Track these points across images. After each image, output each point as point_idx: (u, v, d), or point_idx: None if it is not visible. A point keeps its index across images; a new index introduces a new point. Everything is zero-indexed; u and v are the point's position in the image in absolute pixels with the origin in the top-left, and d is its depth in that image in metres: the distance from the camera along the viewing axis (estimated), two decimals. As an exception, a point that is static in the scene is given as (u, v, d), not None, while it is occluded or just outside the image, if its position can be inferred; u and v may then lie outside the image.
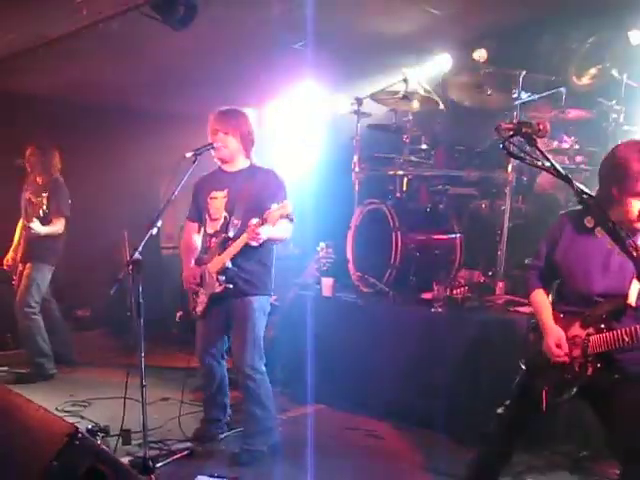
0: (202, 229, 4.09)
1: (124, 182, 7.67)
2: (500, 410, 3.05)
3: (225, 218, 3.86)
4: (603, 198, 2.75)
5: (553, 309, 2.98)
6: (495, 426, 3.08)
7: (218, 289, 3.82)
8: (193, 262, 4.04)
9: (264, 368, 3.93)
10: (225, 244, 3.81)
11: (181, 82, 6.89)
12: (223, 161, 3.97)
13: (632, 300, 2.71)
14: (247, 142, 3.97)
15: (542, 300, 3.04)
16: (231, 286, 3.79)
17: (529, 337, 3.08)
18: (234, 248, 3.75)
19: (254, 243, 3.68)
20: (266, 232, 3.67)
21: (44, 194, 5.49)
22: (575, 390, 2.80)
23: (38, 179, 5.69)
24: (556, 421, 3.73)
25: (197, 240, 4.13)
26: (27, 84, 6.76)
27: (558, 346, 2.83)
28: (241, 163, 3.99)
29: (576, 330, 2.84)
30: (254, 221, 3.62)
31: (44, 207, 5.43)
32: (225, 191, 3.91)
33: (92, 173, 7.31)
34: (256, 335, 3.89)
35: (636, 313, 2.73)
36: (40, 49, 5.28)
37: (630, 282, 2.71)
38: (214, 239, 3.90)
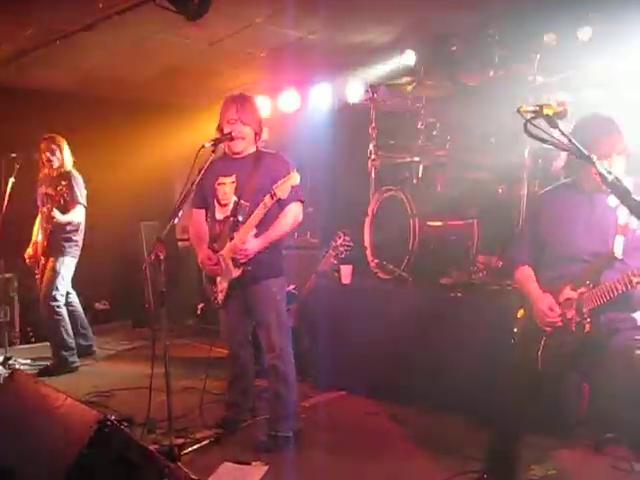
0: (209, 215, 4.09)
1: (138, 175, 7.70)
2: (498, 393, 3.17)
3: (235, 202, 3.86)
4: None
5: (539, 280, 3.10)
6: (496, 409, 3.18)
7: (236, 274, 3.83)
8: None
9: (291, 349, 3.97)
10: (236, 228, 3.81)
11: (194, 74, 6.91)
12: (236, 150, 3.97)
13: (618, 253, 2.89)
14: (259, 130, 4.00)
15: (528, 274, 3.18)
16: (250, 268, 3.80)
17: (518, 313, 3.21)
18: (245, 231, 3.76)
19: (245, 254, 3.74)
20: (254, 246, 3.74)
21: (63, 182, 5.54)
22: (574, 351, 2.89)
23: (53, 172, 5.74)
24: (579, 404, 3.74)
25: (206, 226, 4.12)
26: (42, 79, 6.80)
27: (551, 309, 2.94)
28: (249, 149, 3.99)
29: (567, 293, 2.96)
30: (266, 199, 3.65)
31: (65, 195, 5.49)
32: (233, 176, 3.91)
33: (106, 166, 7.35)
34: (281, 316, 3.94)
35: (621, 266, 2.88)
36: (55, 44, 5.29)
37: (613, 238, 2.91)
38: (224, 225, 3.90)
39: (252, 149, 3.99)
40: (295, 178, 3.65)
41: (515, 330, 3.21)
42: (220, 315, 4.13)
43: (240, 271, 3.82)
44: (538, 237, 3.17)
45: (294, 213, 3.88)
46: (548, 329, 2.98)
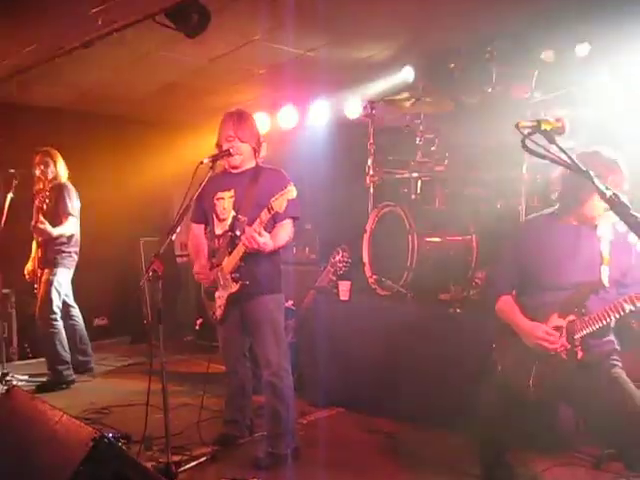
0: (208, 230, 4.09)
1: (137, 191, 7.72)
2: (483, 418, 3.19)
3: (233, 217, 3.86)
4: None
5: (522, 308, 3.08)
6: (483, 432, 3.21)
7: (234, 289, 3.81)
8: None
9: (289, 366, 3.95)
10: (234, 243, 3.80)
11: (192, 91, 6.94)
12: (234, 166, 3.98)
13: (605, 281, 2.91)
14: (258, 146, 4.00)
15: (511, 304, 3.15)
16: (248, 282, 3.79)
17: (503, 342, 3.17)
18: (241, 247, 3.74)
19: (260, 244, 3.65)
20: (267, 240, 3.67)
21: (48, 194, 5.66)
22: (567, 378, 2.89)
23: (47, 185, 5.78)
24: (579, 420, 3.72)
25: (204, 240, 4.13)
26: (42, 95, 6.83)
27: (548, 334, 2.92)
28: (247, 164, 4.00)
29: (555, 321, 2.96)
30: (262, 214, 3.62)
31: (48, 206, 5.59)
32: (232, 191, 3.91)
33: (105, 182, 7.38)
34: (278, 333, 3.92)
35: (604, 294, 2.91)
36: (55, 61, 5.31)
37: (599, 267, 2.92)
38: (222, 239, 3.90)
39: (251, 164, 4.00)
40: (292, 192, 3.62)
41: (496, 359, 3.19)
42: (218, 331, 4.12)
43: (238, 286, 3.80)
44: (521, 266, 3.15)
45: (286, 229, 3.85)
46: (558, 350, 2.93)
